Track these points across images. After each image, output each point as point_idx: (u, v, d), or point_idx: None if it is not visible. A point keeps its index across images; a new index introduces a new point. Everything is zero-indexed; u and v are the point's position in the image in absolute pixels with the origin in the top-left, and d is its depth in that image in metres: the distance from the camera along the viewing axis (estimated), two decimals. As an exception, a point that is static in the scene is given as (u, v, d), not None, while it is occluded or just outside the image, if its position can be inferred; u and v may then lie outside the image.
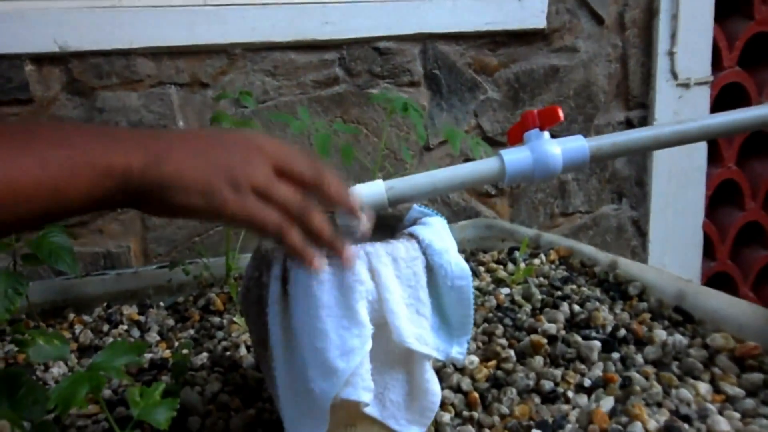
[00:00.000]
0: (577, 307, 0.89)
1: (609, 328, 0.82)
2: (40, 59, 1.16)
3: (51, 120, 1.17)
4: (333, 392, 0.51)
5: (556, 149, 0.63)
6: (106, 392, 0.75)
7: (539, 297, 0.94)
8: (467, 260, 1.12)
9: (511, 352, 0.78)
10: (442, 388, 0.65)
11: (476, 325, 0.87)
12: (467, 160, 1.38)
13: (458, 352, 0.58)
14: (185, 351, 0.76)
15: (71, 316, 1.03)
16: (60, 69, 1.17)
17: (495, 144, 1.47)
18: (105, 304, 1.07)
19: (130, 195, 0.47)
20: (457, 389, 0.71)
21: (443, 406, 0.67)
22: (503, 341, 0.81)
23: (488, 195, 1.53)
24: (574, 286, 0.98)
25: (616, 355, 0.76)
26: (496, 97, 1.48)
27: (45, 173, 0.43)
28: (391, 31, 1.35)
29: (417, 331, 0.55)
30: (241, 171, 0.49)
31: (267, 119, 1.27)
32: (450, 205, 1.49)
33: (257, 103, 1.27)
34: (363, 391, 0.52)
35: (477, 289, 1.02)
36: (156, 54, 1.21)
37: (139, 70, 1.21)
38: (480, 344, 0.82)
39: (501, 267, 1.11)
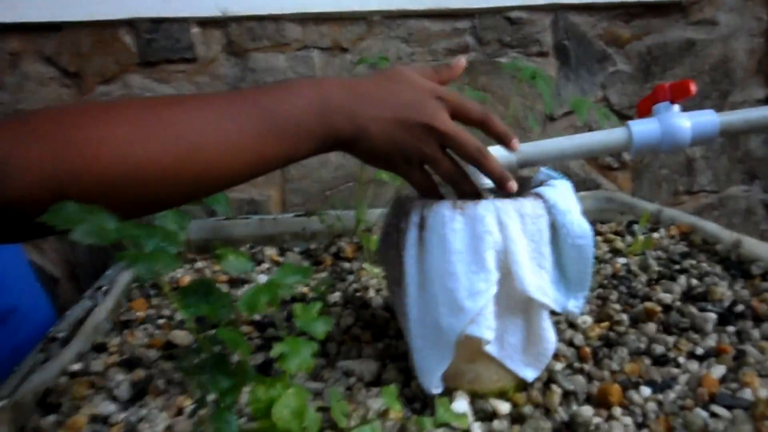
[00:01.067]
0: (694, 281, 0.90)
1: (726, 303, 0.83)
2: (204, 23, 1.30)
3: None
4: (459, 328, 0.58)
5: (686, 122, 0.65)
6: (256, 316, 0.87)
7: (656, 269, 0.95)
8: (585, 229, 1.15)
9: (625, 317, 0.81)
10: (556, 341, 0.70)
11: (591, 290, 0.91)
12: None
13: (574, 305, 0.63)
14: (324, 287, 0.85)
15: (220, 252, 1.17)
16: (220, 32, 1.31)
17: (622, 117, 1.46)
18: (248, 245, 1.20)
19: (325, 151, 0.61)
20: (570, 344, 0.76)
21: (556, 356, 0.72)
22: (617, 306, 0.85)
23: (610, 168, 1.53)
24: (694, 261, 0.98)
25: (731, 329, 0.77)
26: (626, 70, 1.47)
27: (280, 146, 0.56)
28: (524, 1, 1.38)
29: (538, 282, 0.60)
30: (414, 148, 0.62)
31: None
32: (570, 175, 1.50)
33: (392, 68, 1.34)
34: (486, 329, 0.59)
35: (594, 257, 1.05)
36: (303, 19, 1.32)
37: (287, 34, 1.32)
38: (594, 307, 0.86)
39: (619, 238, 1.13)
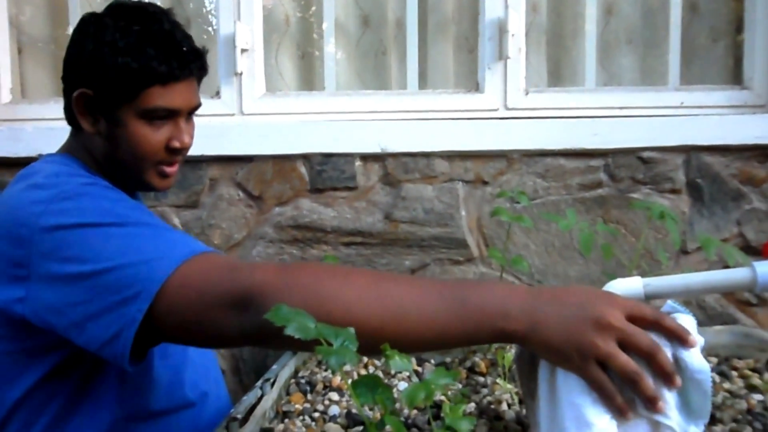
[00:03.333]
0: (835, 423, 0.89)
1: None
2: (365, 157, 1.53)
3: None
4: (586, 442, 0.66)
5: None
6: (401, 418, 0.97)
7: (793, 408, 0.95)
8: (719, 364, 1.17)
9: (757, 452, 0.83)
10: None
11: (723, 423, 0.93)
12: (727, 266, 1.41)
13: (695, 431, 0.68)
14: (460, 397, 0.95)
15: (365, 360, 1.29)
16: (378, 165, 1.53)
17: (758, 254, 1.47)
18: (390, 353, 1.32)
19: (502, 341, 0.69)
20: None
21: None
22: (749, 441, 0.86)
23: (749, 303, 1.52)
24: (836, 404, 0.97)
25: None
26: (762, 208, 1.49)
27: (463, 327, 0.67)
28: (656, 142, 1.48)
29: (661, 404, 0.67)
30: (590, 343, 0.65)
31: (536, 215, 1.48)
32: (705, 309, 1.51)
33: (529, 200, 1.48)
34: (611, 445, 0.65)
35: (728, 391, 1.06)
36: (450, 156, 1.52)
37: (435, 168, 1.52)
38: (726, 441, 0.88)
39: (756, 375, 1.13)
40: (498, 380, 1.12)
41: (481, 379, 1.16)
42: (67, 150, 0.97)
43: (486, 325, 0.67)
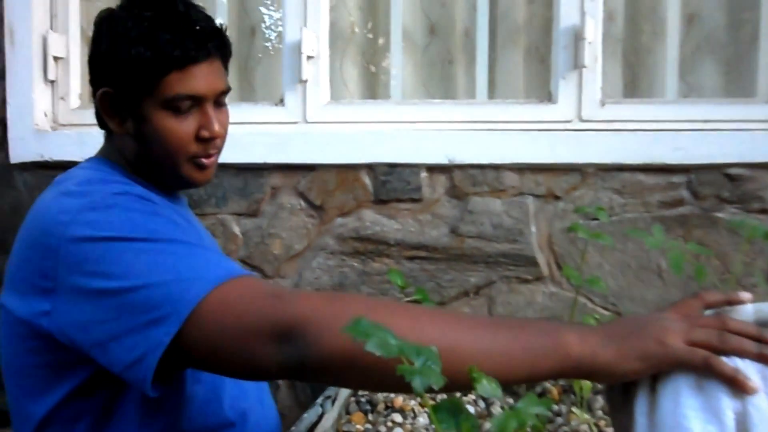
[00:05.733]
0: None
1: None
2: (431, 168, 1.49)
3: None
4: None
5: None
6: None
7: None
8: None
9: None
10: None
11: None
12: (824, 295, 1.30)
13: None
14: (540, 425, 0.88)
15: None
16: (445, 176, 1.49)
17: None
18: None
19: (570, 374, 0.65)
20: None
21: None
22: None
23: None
24: None
25: None
26: None
27: (527, 355, 0.64)
28: (744, 158, 1.39)
29: (782, 448, 0.59)
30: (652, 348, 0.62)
31: (618, 232, 1.40)
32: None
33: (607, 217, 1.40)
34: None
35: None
36: (520, 169, 1.46)
37: (504, 181, 1.47)
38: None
39: None
40: (573, 409, 1.04)
41: (555, 407, 1.09)
42: (103, 154, 0.93)
43: (551, 351, 0.63)
